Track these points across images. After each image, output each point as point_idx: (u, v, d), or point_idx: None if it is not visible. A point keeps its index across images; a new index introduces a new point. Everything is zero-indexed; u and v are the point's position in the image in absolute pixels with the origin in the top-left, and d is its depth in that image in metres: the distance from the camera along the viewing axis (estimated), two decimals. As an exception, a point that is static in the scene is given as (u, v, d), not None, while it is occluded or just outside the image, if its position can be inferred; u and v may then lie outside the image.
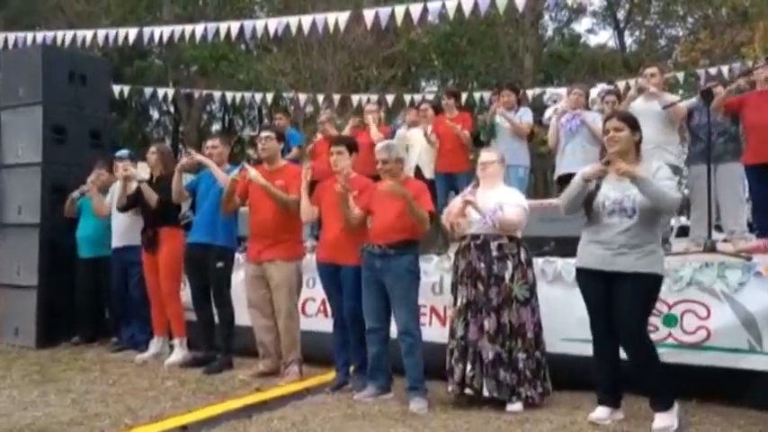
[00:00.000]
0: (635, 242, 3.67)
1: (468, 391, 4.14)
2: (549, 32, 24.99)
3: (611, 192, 3.75)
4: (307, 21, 9.32)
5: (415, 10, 8.54)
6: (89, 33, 10.17)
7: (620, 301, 3.69)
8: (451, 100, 7.13)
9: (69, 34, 10.16)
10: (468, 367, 4.15)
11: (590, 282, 3.85)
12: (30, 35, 10.36)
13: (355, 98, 12.95)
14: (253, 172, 4.90)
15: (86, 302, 6.35)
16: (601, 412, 3.84)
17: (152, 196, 5.61)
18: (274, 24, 9.56)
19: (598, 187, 3.79)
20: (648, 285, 3.70)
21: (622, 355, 3.82)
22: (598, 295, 3.80)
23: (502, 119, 6.69)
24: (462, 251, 4.31)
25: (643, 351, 3.70)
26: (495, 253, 4.19)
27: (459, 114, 7.09)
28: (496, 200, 4.23)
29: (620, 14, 24.61)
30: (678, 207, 3.87)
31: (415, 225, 4.28)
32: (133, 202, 5.83)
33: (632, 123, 3.81)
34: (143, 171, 6.03)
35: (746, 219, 6.19)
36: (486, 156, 4.52)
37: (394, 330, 4.40)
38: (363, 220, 4.51)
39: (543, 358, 4.22)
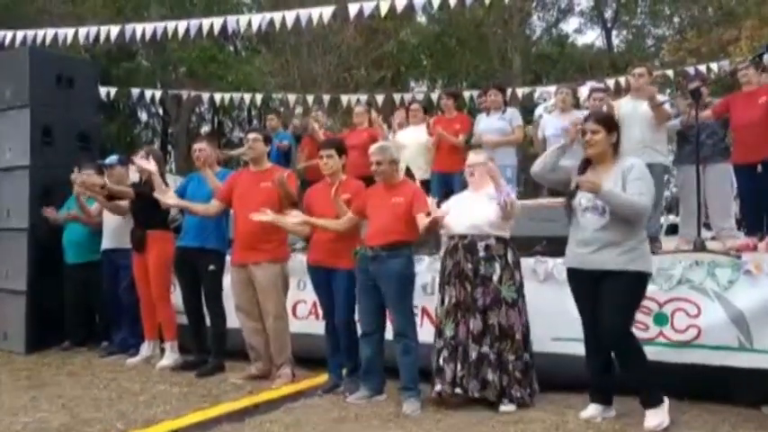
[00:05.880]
0: (612, 240, 3.66)
1: (458, 390, 4.14)
2: (538, 33, 25.11)
3: None
4: (290, 16, 9.29)
5: (400, 3, 8.53)
6: (70, 32, 10.06)
7: (603, 299, 3.69)
8: (450, 100, 7.12)
9: (51, 32, 10.05)
10: (459, 367, 4.15)
11: (577, 281, 3.86)
12: (9, 34, 10.20)
13: (345, 99, 12.95)
14: (265, 217, 4.51)
15: (76, 307, 6.29)
16: (592, 410, 3.87)
17: (121, 197, 5.68)
18: (258, 20, 9.53)
19: (578, 186, 3.76)
20: (632, 283, 3.68)
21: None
22: (586, 294, 3.82)
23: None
24: (450, 251, 4.31)
25: (627, 349, 3.71)
26: (482, 253, 4.19)
27: (458, 115, 7.08)
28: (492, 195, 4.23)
29: (608, 14, 24.75)
30: (648, 213, 3.81)
31: (409, 227, 4.26)
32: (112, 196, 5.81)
33: (608, 125, 3.78)
34: (134, 175, 6.00)
35: (735, 217, 6.24)
36: (473, 158, 4.49)
37: (387, 334, 4.40)
38: (355, 224, 4.50)
39: (531, 360, 4.23)
